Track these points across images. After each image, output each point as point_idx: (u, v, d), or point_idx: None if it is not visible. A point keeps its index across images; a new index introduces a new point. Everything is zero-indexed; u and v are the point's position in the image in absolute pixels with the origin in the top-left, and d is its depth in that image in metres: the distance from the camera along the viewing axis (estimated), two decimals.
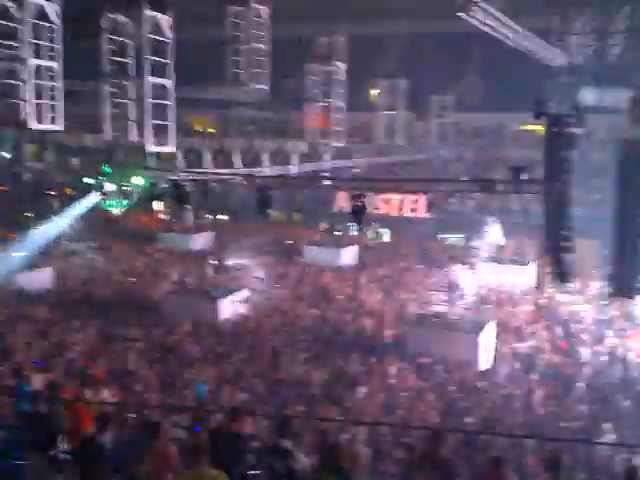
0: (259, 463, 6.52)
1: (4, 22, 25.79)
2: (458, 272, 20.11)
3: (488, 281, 22.98)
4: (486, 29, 22.70)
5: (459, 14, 20.52)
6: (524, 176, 16.11)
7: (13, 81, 26.40)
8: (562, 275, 16.50)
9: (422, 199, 33.01)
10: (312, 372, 15.14)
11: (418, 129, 44.81)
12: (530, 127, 39.05)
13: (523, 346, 17.70)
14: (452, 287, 19.37)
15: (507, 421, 12.96)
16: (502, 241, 28.56)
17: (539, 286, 23.67)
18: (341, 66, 38.54)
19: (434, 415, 12.98)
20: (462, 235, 32.97)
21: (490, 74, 39.01)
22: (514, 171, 16.06)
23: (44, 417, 7.88)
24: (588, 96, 24.29)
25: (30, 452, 7.06)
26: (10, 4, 24.58)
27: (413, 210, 33.23)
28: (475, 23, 21.59)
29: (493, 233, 24.56)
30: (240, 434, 7.11)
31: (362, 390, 14.07)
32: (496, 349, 17.66)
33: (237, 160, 31.97)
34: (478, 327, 17.31)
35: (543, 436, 11.86)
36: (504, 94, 36.03)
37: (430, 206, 33.53)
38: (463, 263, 23.89)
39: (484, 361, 16.83)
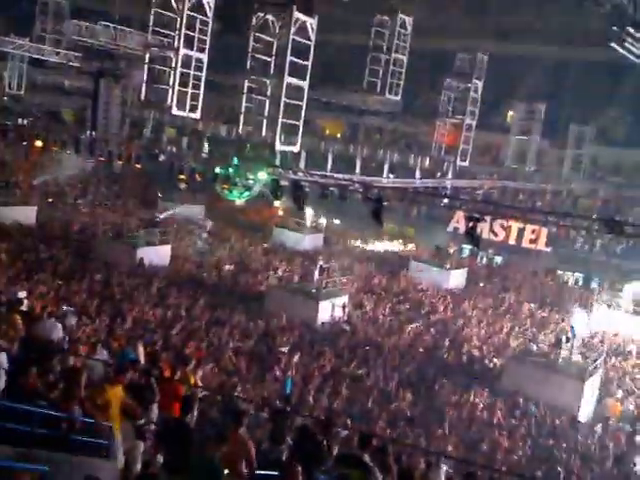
0: (334, 469, 6.55)
1: (163, 12, 27.72)
2: (572, 312, 19.11)
3: (603, 327, 21.65)
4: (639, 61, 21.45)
5: (611, 44, 19.53)
6: None
7: (164, 67, 28.28)
8: None
9: (544, 231, 31.68)
10: (400, 391, 14.96)
11: (551, 158, 42.90)
12: None
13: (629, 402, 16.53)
14: (563, 327, 18.45)
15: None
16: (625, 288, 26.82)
17: None
18: (479, 84, 37.82)
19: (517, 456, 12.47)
20: (582, 274, 31.29)
21: (638, 108, 36.58)
22: None
23: (140, 386, 8.35)
24: None
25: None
26: None
27: (532, 241, 31.90)
28: (627, 54, 20.42)
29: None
30: (322, 440, 7.21)
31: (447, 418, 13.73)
32: (598, 401, 16.64)
33: (357, 167, 32.22)
34: (585, 373, 16.30)
35: None
36: None
37: (551, 240, 32.15)
38: (579, 304, 22.68)
39: (584, 411, 15.88)
